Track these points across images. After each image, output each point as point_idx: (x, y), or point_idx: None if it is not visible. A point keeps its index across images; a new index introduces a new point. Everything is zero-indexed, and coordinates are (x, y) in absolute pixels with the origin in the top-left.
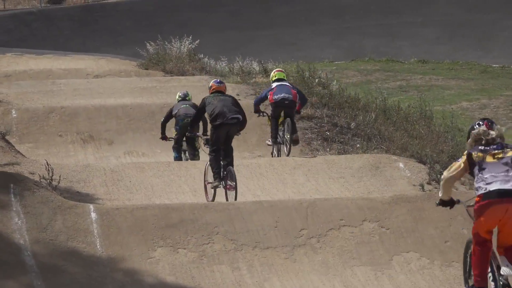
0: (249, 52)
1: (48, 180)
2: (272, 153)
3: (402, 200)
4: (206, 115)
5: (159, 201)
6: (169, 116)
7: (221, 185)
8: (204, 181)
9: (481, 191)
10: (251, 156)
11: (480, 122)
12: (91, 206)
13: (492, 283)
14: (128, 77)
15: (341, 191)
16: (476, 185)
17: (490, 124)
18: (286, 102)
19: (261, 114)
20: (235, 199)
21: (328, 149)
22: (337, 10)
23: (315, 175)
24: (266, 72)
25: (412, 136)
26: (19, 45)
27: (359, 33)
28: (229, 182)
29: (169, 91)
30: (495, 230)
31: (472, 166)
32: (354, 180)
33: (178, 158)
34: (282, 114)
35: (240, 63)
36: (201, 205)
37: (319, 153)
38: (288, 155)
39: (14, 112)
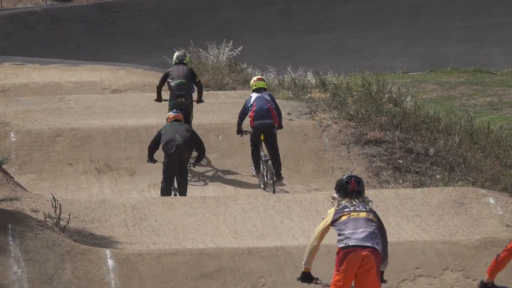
0: (303, 60)
1: (54, 220)
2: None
3: (493, 244)
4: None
5: (191, 245)
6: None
7: None
8: None
9: (342, 244)
10: (305, 190)
11: (347, 180)
12: (108, 252)
13: None
14: (154, 92)
15: (416, 233)
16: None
17: (357, 182)
18: (267, 127)
19: (244, 133)
20: None
21: (400, 181)
22: (412, 9)
23: (384, 212)
24: (324, 86)
25: (506, 165)
26: (20, 52)
27: (439, 37)
28: None
29: (204, 109)
30: None
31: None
32: (433, 220)
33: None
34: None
35: (292, 74)
36: (243, 250)
37: (390, 185)
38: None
39: (13, 135)
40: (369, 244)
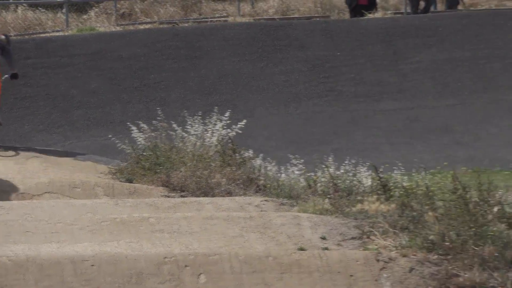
0: (350, 145)
1: None
2: None
3: None
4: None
5: None
6: None
7: None
8: None
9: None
10: None
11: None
12: None
13: None
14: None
15: None
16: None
17: (6, 36)
18: None
19: None
20: None
21: None
22: None
23: None
24: (386, 191)
25: None
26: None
27: None
28: None
29: (177, 229)
30: None
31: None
32: None
33: None
34: None
35: (331, 169)
36: None
37: None
38: None
39: None
40: None
